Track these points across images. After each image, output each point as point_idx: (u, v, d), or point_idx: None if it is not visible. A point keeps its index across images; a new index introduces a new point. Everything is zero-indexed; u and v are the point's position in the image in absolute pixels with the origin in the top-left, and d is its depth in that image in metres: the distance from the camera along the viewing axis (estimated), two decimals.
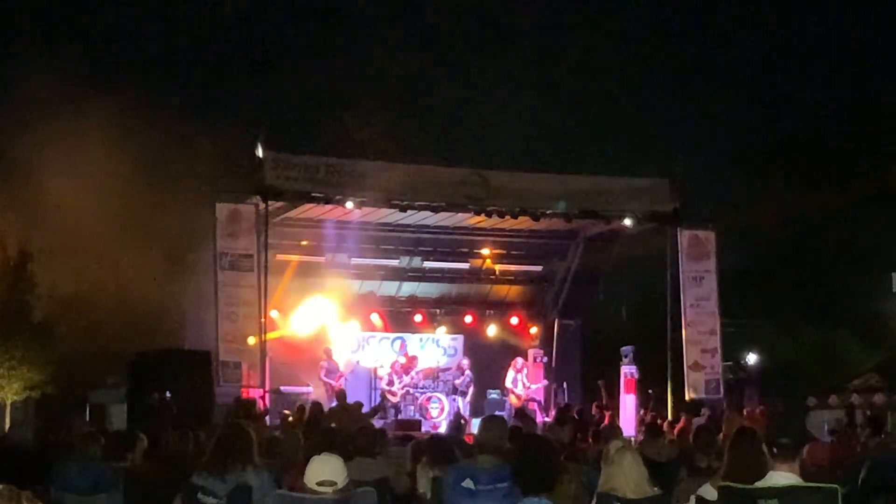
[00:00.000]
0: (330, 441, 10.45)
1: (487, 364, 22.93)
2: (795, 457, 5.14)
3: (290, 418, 16.79)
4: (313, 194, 18.63)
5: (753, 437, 6.17)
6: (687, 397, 19.80)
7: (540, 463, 5.85)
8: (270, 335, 19.28)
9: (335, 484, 5.92)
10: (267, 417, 17.44)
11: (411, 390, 21.57)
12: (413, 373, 21.81)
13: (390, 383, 21.37)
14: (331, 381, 20.79)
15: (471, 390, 22.00)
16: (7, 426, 20.05)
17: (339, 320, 22.17)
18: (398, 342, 23.00)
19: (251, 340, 17.82)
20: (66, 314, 20.97)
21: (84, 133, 19.69)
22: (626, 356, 21.46)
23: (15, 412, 20.82)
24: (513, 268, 24.31)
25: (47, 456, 9.46)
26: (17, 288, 20.65)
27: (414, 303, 23.86)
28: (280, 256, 20.37)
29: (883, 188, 30.63)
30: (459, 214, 20.42)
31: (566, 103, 37.06)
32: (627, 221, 20.13)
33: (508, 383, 21.84)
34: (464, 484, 6.57)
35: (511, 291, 24.60)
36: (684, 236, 20.33)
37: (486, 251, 23.08)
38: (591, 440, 15.42)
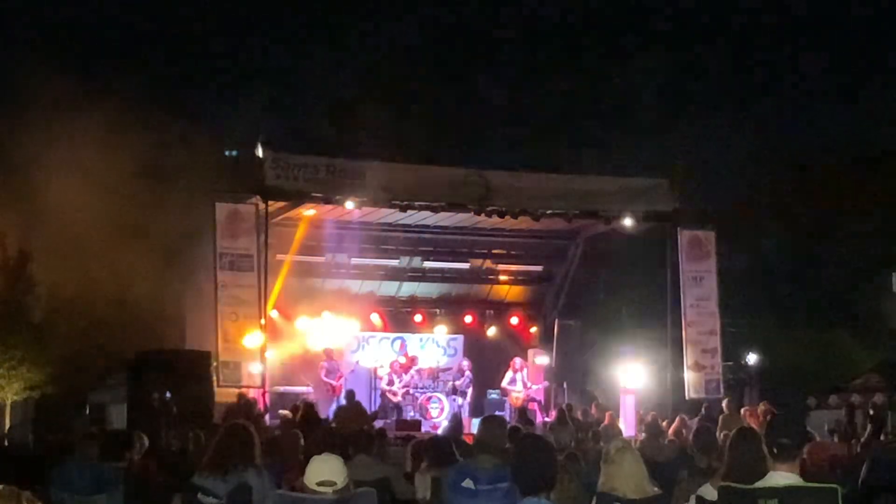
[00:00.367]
0: (330, 441, 10.47)
1: (487, 364, 22.94)
2: (795, 457, 5.13)
3: (290, 418, 16.82)
4: (313, 194, 18.65)
5: (753, 437, 6.17)
6: (687, 397, 19.82)
7: (540, 463, 5.84)
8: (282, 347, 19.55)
9: (335, 484, 5.91)
10: (267, 417, 17.47)
11: (411, 390, 21.58)
12: (413, 372, 21.83)
13: (390, 383, 21.40)
14: (331, 381, 20.81)
15: (470, 390, 22.02)
16: (7, 426, 20.04)
17: (338, 320, 22.18)
18: (398, 342, 23.02)
19: (251, 340, 17.83)
20: (66, 314, 20.94)
21: (84, 133, 19.67)
22: (625, 356, 21.47)
23: (15, 412, 20.80)
24: (513, 268, 24.32)
25: (47, 456, 9.47)
26: (16, 288, 20.63)
27: (414, 303, 23.87)
28: (280, 256, 20.38)
29: (883, 188, 30.62)
30: (459, 214, 20.43)
31: (566, 103, 37.07)
32: (627, 221, 20.13)
33: (505, 384, 21.85)
34: (464, 484, 6.57)
35: (511, 291, 24.60)
36: (684, 236, 20.34)
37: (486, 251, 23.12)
38: (591, 440, 15.48)
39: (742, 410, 17.52)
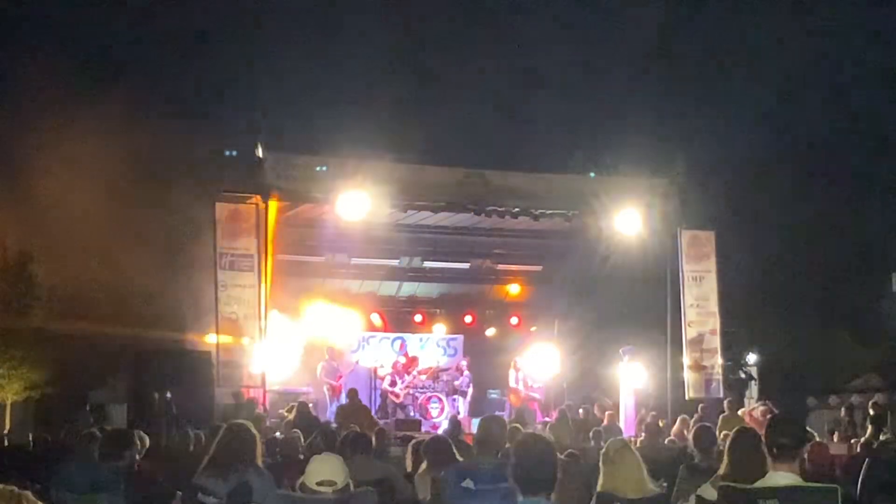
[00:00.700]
0: (330, 441, 10.47)
1: (487, 364, 22.96)
2: (795, 457, 5.14)
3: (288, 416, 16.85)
4: (313, 194, 18.64)
5: (753, 437, 6.18)
6: (687, 397, 19.81)
7: (540, 463, 5.84)
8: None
9: (335, 484, 5.92)
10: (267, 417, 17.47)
11: (411, 390, 21.60)
12: (414, 372, 21.84)
13: (393, 384, 21.41)
14: (330, 381, 20.82)
15: (470, 390, 22.02)
16: (7, 426, 20.05)
17: (338, 320, 22.20)
18: (398, 342, 23.04)
19: (251, 340, 17.82)
20: (66, 314, 20.94)
21: (84, 133, 19.66)
22: (626, 356, 21.46)
23: (15, 412, 20.81)
24: (513, 268, 24.32)
25: (47, 456, 9.46)
26: (17, 288, 20.65)
27: (414, 303, 23.89)
28: (280, 256, 20.37)
29: (883, 188, 30.65)
30: (459, 214, 20.43)
31: (566, 103, 37.06)
32: (627, 221, 20.12)
33: (512, 383, 21.86)
34: (464, 484, 6.56)
35: (511, 291, 24.60)
36: (684, 236, 20.33)
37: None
38: (591, 440, 15.49)
39: (742, 410, 17.52)
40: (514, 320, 24.30)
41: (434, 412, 21.26)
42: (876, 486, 8.64)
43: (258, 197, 18.08)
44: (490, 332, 23.95)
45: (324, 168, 18.54)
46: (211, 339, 17.80)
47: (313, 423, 15.88)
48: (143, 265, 19.16)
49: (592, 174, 21.04)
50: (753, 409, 17.38)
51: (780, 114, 39.34)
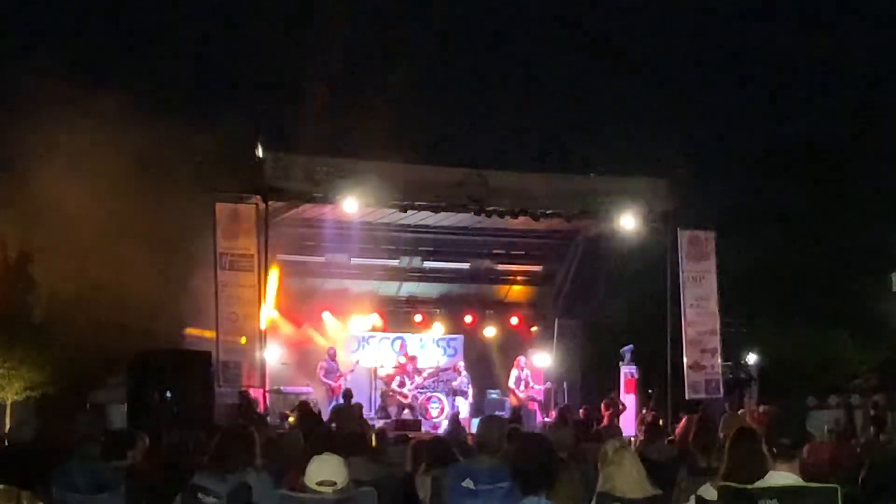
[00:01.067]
0: (330, 441, 10.47)
1: (487, 364, 22.97)
2: (795, 457, 5.14)
3: (291, 419, 16.85)
4: (313, 194, 18.65)
5: (753, 437, 6.18)
6: (687, 397, 19.82)
7: (540, 463, 5.85)
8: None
9: (335, 484, 5.91)
10: (268, 417, 17.48)
11: (418, 391, 21.64)
12: (425, 374, 21.91)
13: (402, 385, 21.40)
14: (330, 382, 20.83)
15: (470, 390, 22.02)
16: (7, 426, 20.02)
17: (338, 320, 22.20)
18: (398, 342, 23.04)
19: (251, 341, 17.82)
20: (66, 314, 20.92)
21: (84, 133, 19.65)
22: (625, 356, 21.48)
23: (15, 412, 20.79)
24: (513, 268, 24.32)
25: (48, 456, 9.45)
26: (17, 288, 20.62)
27: (414, 303, 23.89)
28: (280, 256, 20.38)
29: (883, 188, 30.62)
30: (459, 214, 20.43)
31: (565, 103, 37.07)
32: (627, 221, 20.13)
33: (511, 383, 21.85)
34: (464, 484, 6.58)
35: (511, 291, 24.61)
36: (684, 236, 20.34)
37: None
38: (591, 440, 15.47)
39: (742, 410, 17.52)
40: (514, 320, 24.30)
41: (434, 412, 21.26)
42: (876, 486, 8.64)
43: (258, 197, 18.09)
44: (490, 332, 23.94)
45: (324, 168, 18.54)
46: (211, 340, 17.79)
47: (316, 422, 15.90)
48: (144, 265, 19.15)
49: (592, 174, 21.05)
50: (754, 409, 17.39)
51: (780, 114, 39.38)
